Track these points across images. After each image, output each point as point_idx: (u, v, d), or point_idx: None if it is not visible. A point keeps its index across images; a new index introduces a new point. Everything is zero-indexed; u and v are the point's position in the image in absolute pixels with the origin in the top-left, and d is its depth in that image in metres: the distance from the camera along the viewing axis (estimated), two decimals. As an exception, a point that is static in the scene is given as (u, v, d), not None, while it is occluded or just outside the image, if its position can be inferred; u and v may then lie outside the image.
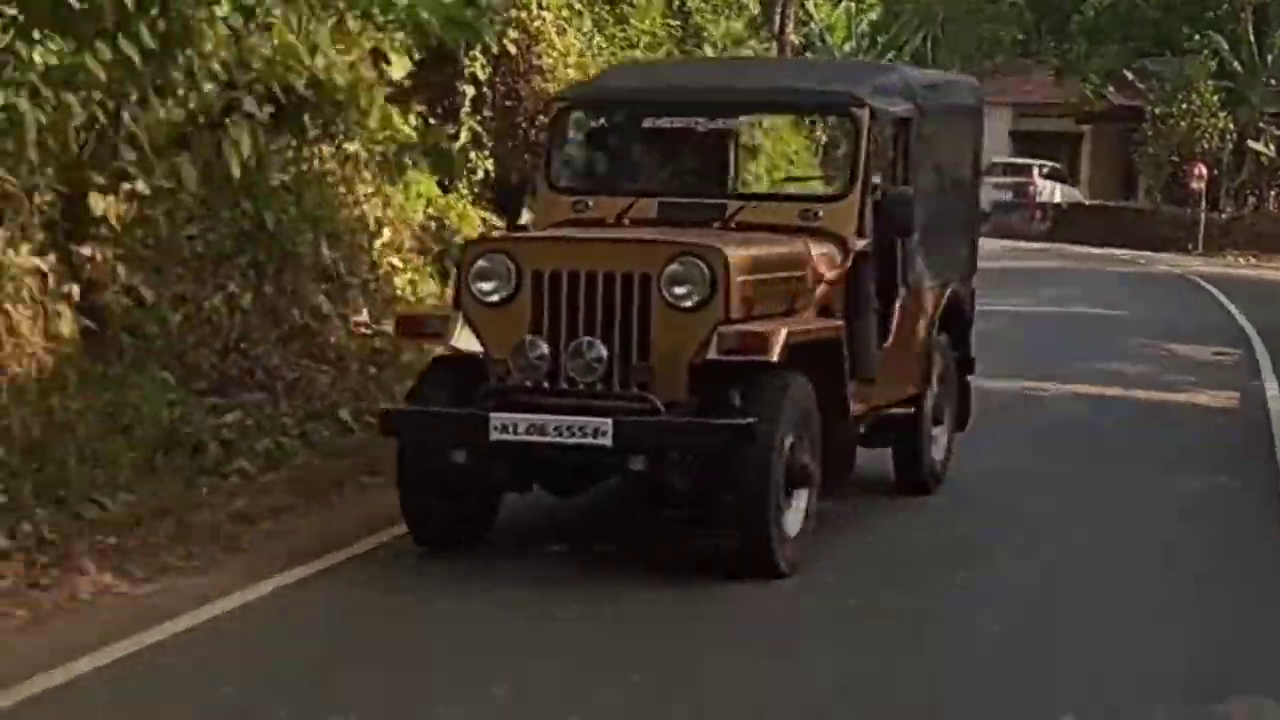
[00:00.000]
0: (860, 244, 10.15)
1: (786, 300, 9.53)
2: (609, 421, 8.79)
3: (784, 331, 8.96)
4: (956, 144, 11.56)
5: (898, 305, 10.66)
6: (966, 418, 12.06)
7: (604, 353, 8.99)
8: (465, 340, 9.29)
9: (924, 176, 10.91)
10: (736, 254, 9.15)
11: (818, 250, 9.90)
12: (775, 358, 8.89)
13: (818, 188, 11.77)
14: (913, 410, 10.98)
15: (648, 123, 10.55)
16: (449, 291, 9.74)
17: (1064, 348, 19.57)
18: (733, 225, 10.03)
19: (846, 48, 47.92)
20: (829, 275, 9.93)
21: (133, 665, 7.48)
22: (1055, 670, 7.87)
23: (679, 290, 9.06)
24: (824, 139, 14.12)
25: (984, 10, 52.15)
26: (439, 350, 9.56)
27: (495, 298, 9.27)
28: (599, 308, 9.08)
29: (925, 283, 11.05)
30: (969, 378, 12.06)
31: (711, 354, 8.96)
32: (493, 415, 8.93)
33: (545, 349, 9.05)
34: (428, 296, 12.11)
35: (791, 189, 12.29)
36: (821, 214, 10.14)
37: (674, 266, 9.05)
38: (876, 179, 10.33)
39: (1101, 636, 8.36)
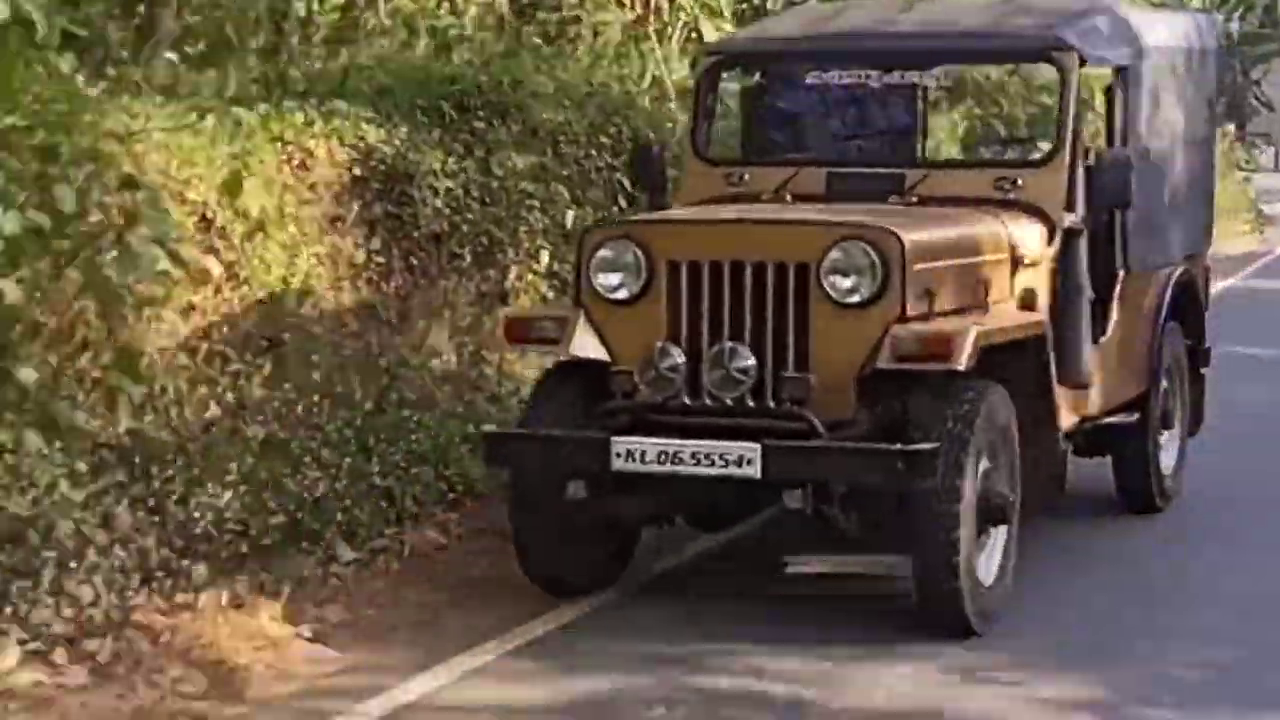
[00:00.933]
0: (1069, 219, 8.36)
1: (978, 291, 7.79)
2: (757, 447, 7.13)
3: (974, 331, 7.22)
4: (1187, 95, 9.69)
5: (1117, 292, 8.86)
6: (1200, 419, 10.20)
7: (751, 361, 7.32)
8: (587, 346, 7.68)
9: (1148, 135, 9.09)
10: (914, 236, 7.43)
11: (1017, 227, 8.14)
12: (964, 365, 7.15)
13: (1019, 152, 9.96)
14: (1136, 416, 9.16)
15: (812, 78, 8.82)
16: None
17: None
18: (913, 199, 8.31)
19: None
20: (1031, 258, 8.16)
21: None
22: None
23: (843, 283, 7.36)
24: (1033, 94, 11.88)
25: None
26: (555, 359, 7.93)
27: (622, 294, 7.64)
28: (747, 305, 7.42)
29: (1151, 262, 9.22)
30: (1204, 371, 10.20)
31: (884, 361, 7.25)
32: (615, 440, 7.31)
33: (679, 358, 7.40)
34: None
35: (987, 153, 10.57)
36: (1022, 182, 8.37)
37: (836, 254, 7.36)
38: (1089, 140, 8.53)
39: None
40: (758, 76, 9.19)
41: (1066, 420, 8.31)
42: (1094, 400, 8.65)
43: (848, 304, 7.36)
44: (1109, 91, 8.97)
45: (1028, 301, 8.18)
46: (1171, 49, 9.48)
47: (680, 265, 7.57)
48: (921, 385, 7.34)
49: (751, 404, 7.36)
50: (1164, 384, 9.58)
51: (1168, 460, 9.74)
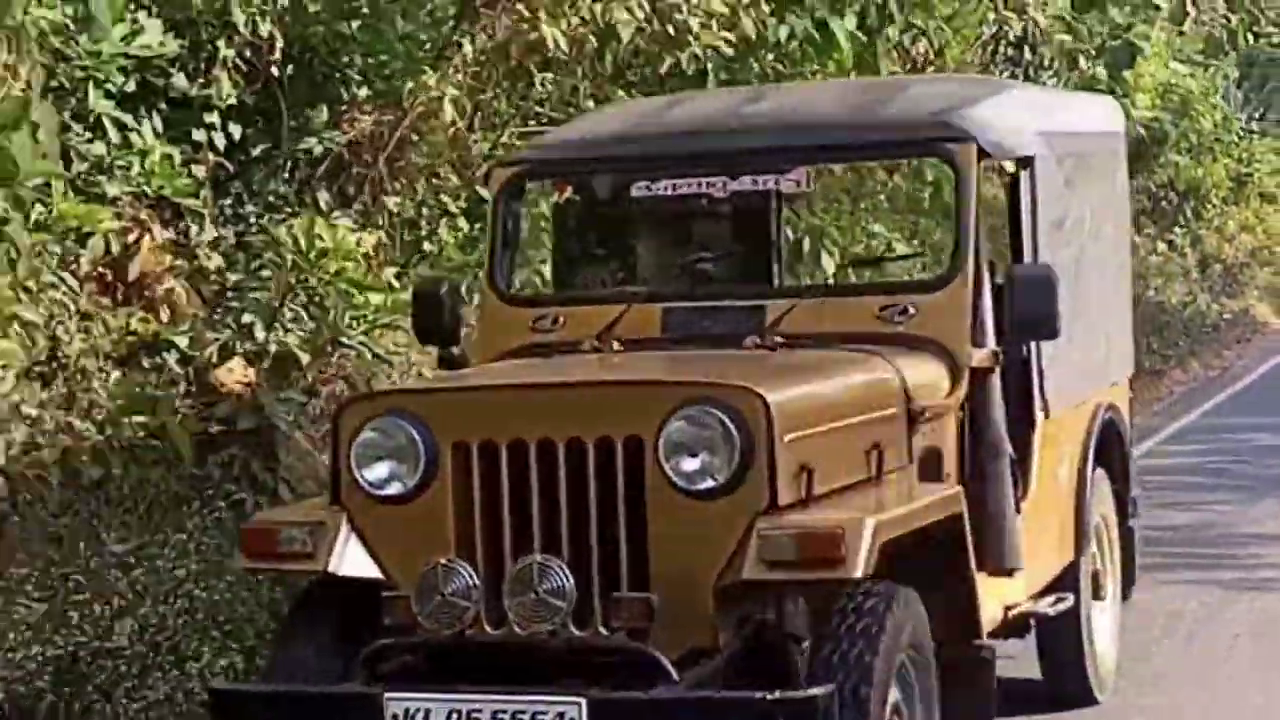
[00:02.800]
0: (978, 354, 6.50)
1: (869, 460, 5.89)
2: (580, 704, 5.16)
3: (871, 524, 5.31)
4: (1101, 191, 7.91)
5: (1036, 440, 7.00)
6: (1133, 581, 8.34)
7: (566, 581, 5.35)
8: (351, 560, 5.68)
9: (1059, 242, 7.28)
10: (783, 395, 5.53)
11: (911, 370, 6.27)
12: (859, 571, 5.24)
13: (905, 273, 8.04)
14: (1068, 598, 7.27)
15: (640, 189, 6.89)
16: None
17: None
18: (776, 340, 6.41)
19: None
20: (932, 409, 6.29)
21: None
22: None
23: (688, 463, 5.44)
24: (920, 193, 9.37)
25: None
26: (310, 578, 5.91)
27: (394, 489, 5.67)
28: (562, 501, 5.49)
29: (1070, 398, 7.39)
30: (1133, 523, 8.36)
31: (750, 571, 5.32)
32: (388, 696, 5.31)
33: (469, 578, 5.42)
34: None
35: (868, 275, 8.62)
36: (914, 310, 6.50)
37: (677, 424, 5.43)
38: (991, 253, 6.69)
39: None
40: (570, 191, 7.25)
41: (991, 618, 6.42)
42: (1020, 585, 6.77)
43: (697, 492, 5.43)
44: (1012, 189, 7.15)
45: (931, 467, 6.32)
46: (1081, 135, 7.69)
47: (470, 449, 5.61)
48: (805, 597, 5.44)
49: (574, 636, 5.39)
50: (1092, 547, 7.74)
51: (1103, 639, 7.88)
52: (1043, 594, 7.22)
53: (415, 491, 5.63)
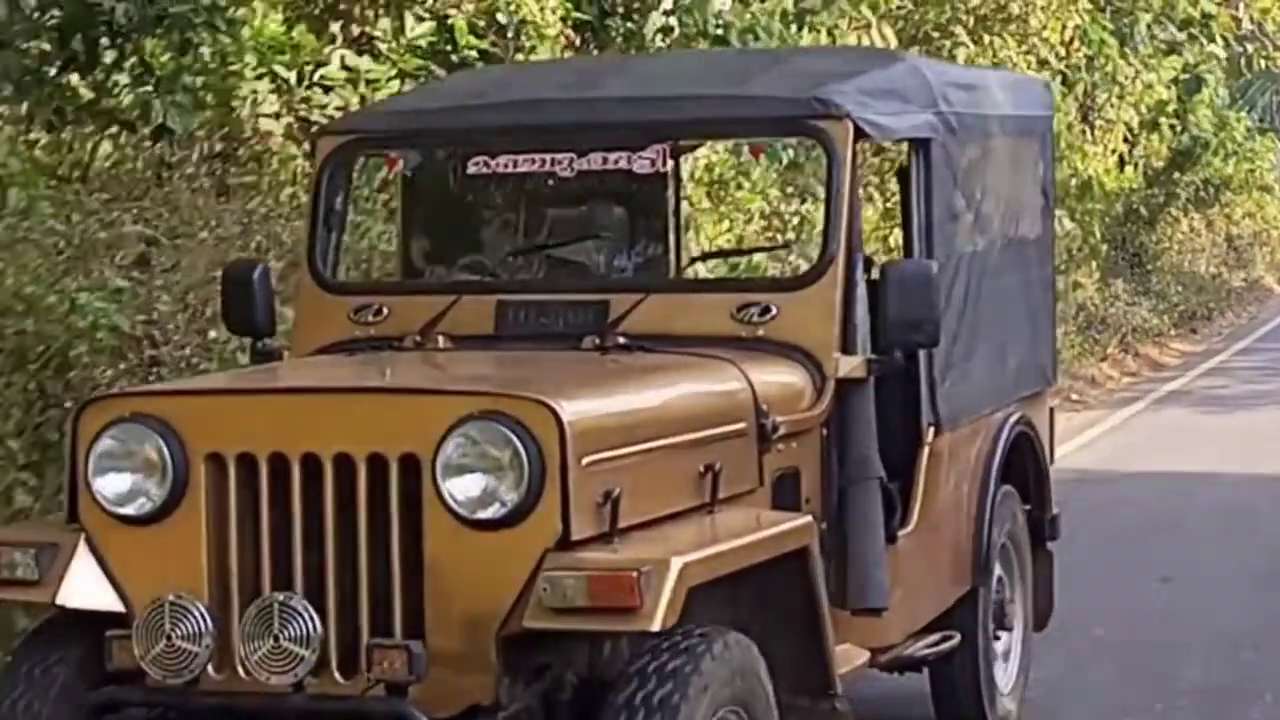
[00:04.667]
0: (847, 363, 5.68)
1: (703, 484, 5.07)
2: None
3: (676, 567, 4.48)
4: (1017, 182, 7.07)
5: (922, 462, 6.18)
6: (1050, 608, 7.51)
7: (311, 624, 4.51)
8: (87, 590, 4.86)
9: (960, 236, 6.46)
10: (582, 409, 4.70)
11: (765, 380, 5.46)
12: (657, 624, 4.42)
13: (771, 268, 7.10)
14: (954, 637, 6.45)
15: (476, 166, 6.05)
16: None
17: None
18: (619, 341, 5.58)
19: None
20: (789, 425, 5.47)
21: None
22: None
23: (469, 488, 4.62)
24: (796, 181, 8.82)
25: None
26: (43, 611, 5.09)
27: (137, 508, 4.85)
28: (328, 529, 4.67)
29: (970, 412, 6.57)
30: (1050, 545, 7.53)
31: (531, 618, 4.50)
32: (104, 757, 4.52)
33: (201, 619, 4.59)
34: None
35: (731, 269, 7.65)
36: (775, 311, 5.67)
37: (456, 441, 4.61)
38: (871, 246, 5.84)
39: None
40: (401, 166, 6.39)
41: (850, 663, 5.61)
42: (894, 624, 5.95)
43: (479, 521, 4.62)
44: (903, 176, 6.32)
45: (788, 491, 5.51)
46: (991, 118, 6.85)
47: (226, 462, 4.79)
48: (606, 648, 4.63)
49: (320, 692, 4.56)
50: (997, 573, 6.92)
51: (1005, 675, 7.07)
52: (933, 628, 6.42)
53: (162, 511, 4.83)
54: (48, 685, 4.83)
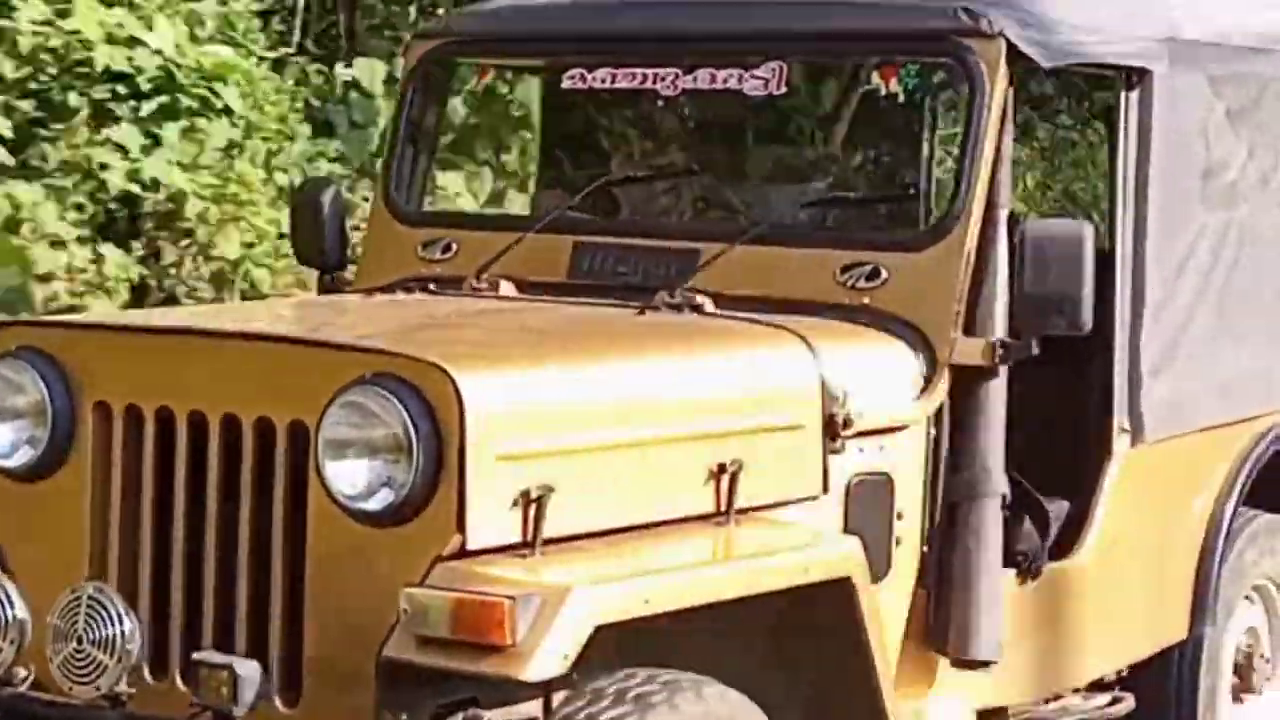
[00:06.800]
0: (966, 348, 4.48)
1: (707, 487, 3.97)
2: None
3: (580, 595, 3.43)
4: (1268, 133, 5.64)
5: (1109, 476, 4.91)
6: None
7: (121, 625, 3.62)
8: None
9: (1192, 195, 5.13)
10: (498, 380, 3.68)
11: (847, 361, 4.32)
12: (533, 670, 3.37)
13: (885, 220, 5.71)
14: (1125, 699, 5.15)
15: (570, 80, 5.03)
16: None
17: None
18: (693, 298, 4.50)
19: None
20: (876, 420, 4.33)
21: None
22: None
23: (351, 470, 3.64)
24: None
25: None
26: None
27: (18, 460, 4.04)
28: (209, 505, 3.79)
29: (1199, 420, 5.24)
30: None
31: (393, 646, 3.51)
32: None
33: (8, 607, 3.75)
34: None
35: (838, 219, 6.17)
36: (886, 274, 4.51)
37: (340, 409, 3.64)
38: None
39: None
40: (489, 77, 5.40)
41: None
42: (1019, 681, 4.72)
43: (363, 513, 3.64)
44: (1110, 119, 5.02)
45: (868, 502, 4.36)
46: (1264, 54, 5.46)
47: (112, 412, 3.94)
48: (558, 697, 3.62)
49: (135, 713, 3.66)
50: (1246, 620, 5.59)
51: None
52: (1111, 685, 5.16)
53: (44, 466, 4.00)
54: None
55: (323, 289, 5.22)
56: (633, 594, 3.53)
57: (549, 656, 3.37)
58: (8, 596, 3.74)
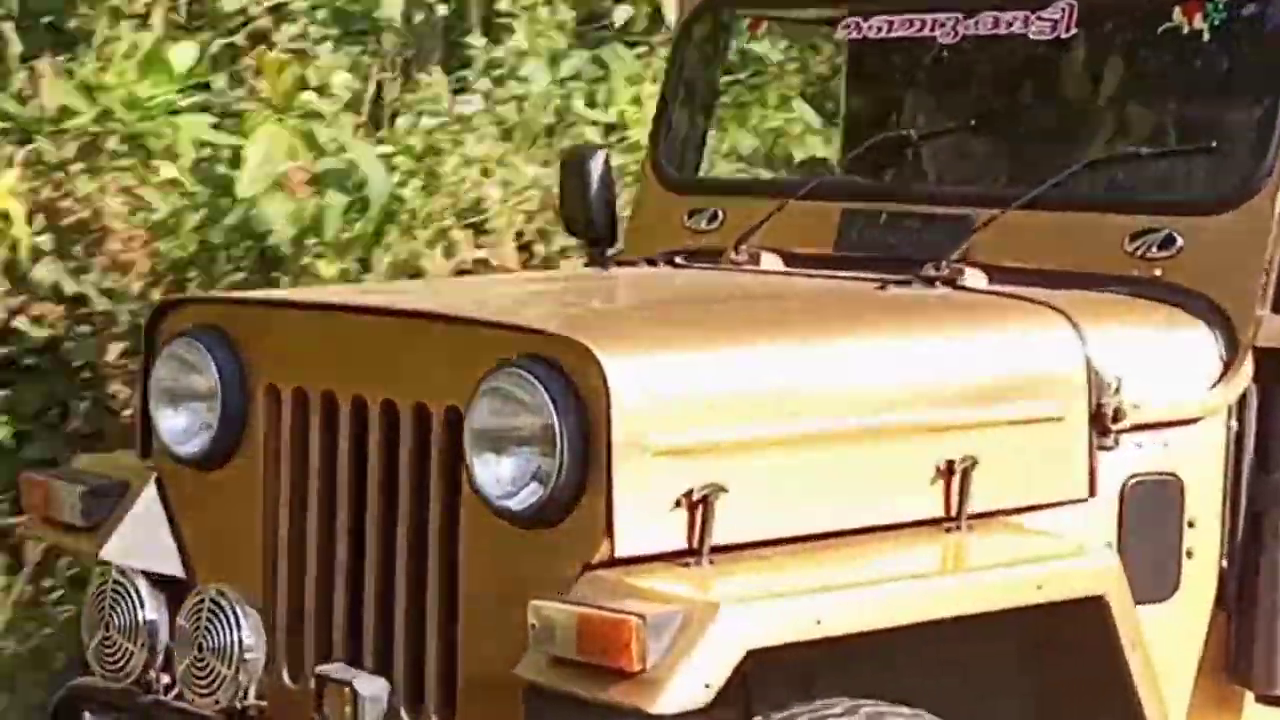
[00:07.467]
0: (1275, 326, 3.81)
1: (934, 488, 3.43)
2: None
3: (732, 613, 2.94)
4: None
5: None
6: None
7: (236, 632, 3.28)
8: (142, 545, 3.80)
9: None
10: (652, 361, 3.20)
11: (1123, 343, 3.71)
12: (659, 704, 2.88)
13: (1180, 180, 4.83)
14: None
15: (845, 30, 4.50)
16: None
17: None
18: (957, 269, 3.95)
19: None
20: (1159, 413, 3.71)
21: None
22: None
23: (497, 464, 3.23)
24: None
25: None
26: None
27: (195, 447, 3.75)
28: (371, 501, 3.44)
29: None
30: None
31: (525, 667, 3.07)
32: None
33: (137, 606, 3.45)
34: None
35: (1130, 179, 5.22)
36: (1180, 243, 3.87)
37: (486, 396, 3.23)
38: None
39: None
40: (763, 28, 4.89)
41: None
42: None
43: (510, 513, 3.22)
44: None
45: (1149, 506, 3.74)
46: None
47: (281, 396, 3.62)
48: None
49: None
50: None
51: None
52: None
53: (220, 453, 3.70)
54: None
55: (591, 262, 4.82)
56: (800, 613, 3.02)
57: (686, 686, 2.89)
58: (138, 596, 3.46)
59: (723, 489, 3.14)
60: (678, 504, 3.13)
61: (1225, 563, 3.83)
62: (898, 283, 3.91)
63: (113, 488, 3.86)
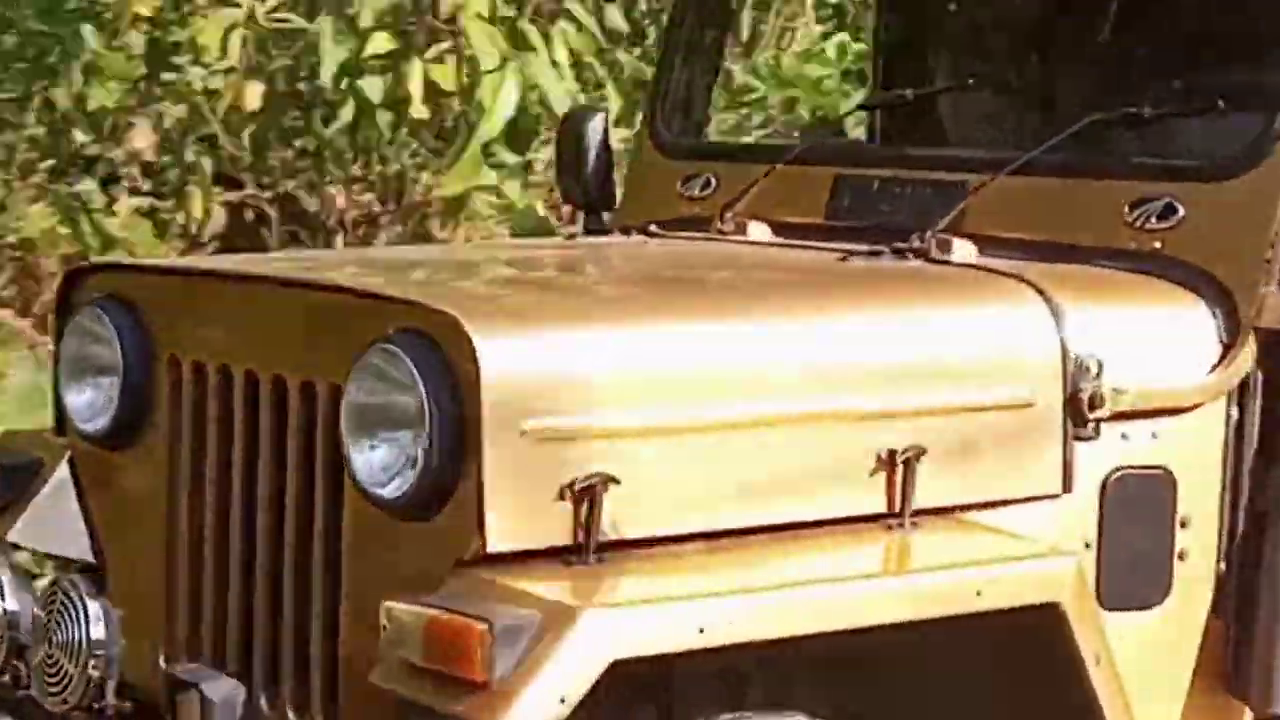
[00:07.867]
0: (1280, 305, 3.44)
1: (874, 480, 3.10)
2: None
3: (592, 618, 2.65)
4: None
5: None
6: None
7: (81, 625, 3.03)
8: (50, 529, 3.58)
9: None
10: (532, 341, 2.89)
11: (1103, 322, 3.35)
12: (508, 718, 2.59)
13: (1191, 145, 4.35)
14: None
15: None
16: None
17: None
18: (942, 241, 3.61)
19: None
20: (1146, 399, 3.34)
21: None
22: None
23: (370, 447, 2.94)
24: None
25: None
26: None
27: (100, 424, 3.50)
28: (260, 481, 3.18)
29: None
30: None
31: (377, 673, 2.79)
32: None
33: (8, 600, 3.23)
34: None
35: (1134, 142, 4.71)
36: (1180, 213, 3.50)
37: (361, 373, 2.94)
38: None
39: None
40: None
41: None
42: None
43: (384, 502, 2.94)
44: None
45: (1133, 503, 3.39)
46: None
47: (183, 370, 3.37)
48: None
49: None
50: None
51: None
52: None
53: (125, 431, 3.46)
54: None
55: (588, 230, 4.53)
56: (679, 620, 2.71)
57: (537, 700, 2.59)
58: (10, 588, 3.22)
59: (613, 479, 2.83)
60: (561, 495, 2.83)
61: (1223, 566, 3.47)
62: (866, 254, 3.58)
63: (28, 465, 3.64)
